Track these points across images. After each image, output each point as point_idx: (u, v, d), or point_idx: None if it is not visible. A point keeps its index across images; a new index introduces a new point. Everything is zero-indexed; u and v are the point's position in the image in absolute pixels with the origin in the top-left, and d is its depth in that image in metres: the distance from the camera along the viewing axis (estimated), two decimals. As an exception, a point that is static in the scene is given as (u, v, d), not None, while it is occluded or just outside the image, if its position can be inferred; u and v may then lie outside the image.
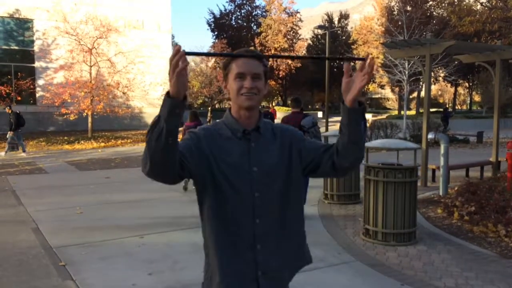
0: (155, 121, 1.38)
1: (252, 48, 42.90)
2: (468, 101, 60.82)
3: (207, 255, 1.65)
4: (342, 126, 1.55)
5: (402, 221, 5.07)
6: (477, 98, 57.88)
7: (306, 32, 56.76)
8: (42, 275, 4.23)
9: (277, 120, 31.91)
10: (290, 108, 7.14)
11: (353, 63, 1.49)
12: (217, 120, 1.71)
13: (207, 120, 28.03)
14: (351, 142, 1.54)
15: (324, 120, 21.24)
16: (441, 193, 7.71)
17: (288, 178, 1.64)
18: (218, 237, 1.59)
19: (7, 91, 20.28)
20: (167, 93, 1.35)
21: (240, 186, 1.57)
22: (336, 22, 52.70)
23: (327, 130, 19.44)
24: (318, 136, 6.49)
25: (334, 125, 30.42)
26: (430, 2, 40.34)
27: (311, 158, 1.64)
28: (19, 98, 22.67)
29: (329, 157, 1.61)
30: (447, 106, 36.25)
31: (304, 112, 6.69)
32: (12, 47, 25.27)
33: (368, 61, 1.44)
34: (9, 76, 24.08)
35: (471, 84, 48.62)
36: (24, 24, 25.24)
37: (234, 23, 46.56)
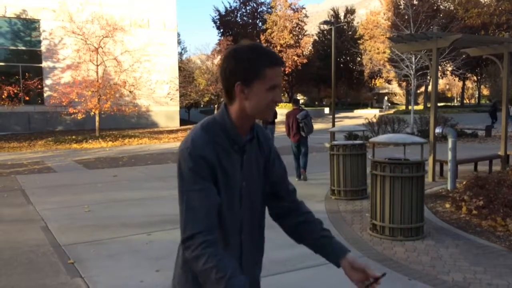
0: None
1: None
2: (477, 95, 60.31)
3: (190, 281, 1.51)
4: (316, 244, 1.57)
5: (410, 216, 5.05)
6: (485, 91, 57.41)
7: (312, 28, 56.59)
8: (51, 273, 4.27)
9: (281, 117, 31.91)
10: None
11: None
12: (208, 119, 1.47)
13: None
14: (304, 241, 1.61)
15: (331, 116, 21.16)
16: (449, 188, 7.66)
17: (264, 190, 1.57)
18: None
19: (15, 91, 20.43)
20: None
21: (233, 203, 1.46)
22: (342, 17, 52.47)
23: (333, 125, 19.36)
24: (309, 125, 8.86)
25: (340, 121, 30.33)
26: (437, -4, 39.99)
27: (275, 180, 1.61)
28: (27, 98, 22.84)
29: (282, 205, 1.63)
30: (494, 100, 35.22)
31: (305, 108, 9.32)
32: (19, 48, 25.47)
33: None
34: (17, 77, 24.27)
35: (479, 77, 48.20)
36: (31, 25, 25.41)
37: (239, 20, 46.50)
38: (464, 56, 21.75)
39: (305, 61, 43.66)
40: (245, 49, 1.40)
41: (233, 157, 1.44)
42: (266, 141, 1.59)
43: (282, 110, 32.05)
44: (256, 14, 46.40)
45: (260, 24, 46.08)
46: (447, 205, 6.56)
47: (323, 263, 4.35)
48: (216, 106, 29.37)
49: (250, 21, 46.42)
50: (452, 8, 40.71)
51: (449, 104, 58.71)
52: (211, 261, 1.31)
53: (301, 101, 55.80)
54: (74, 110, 19.60)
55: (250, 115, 1.43)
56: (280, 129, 20.25)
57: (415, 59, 21.33)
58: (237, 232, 1.49)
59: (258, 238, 1.58)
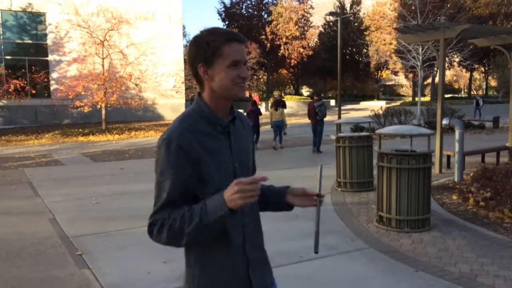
0: (205, 225, 1.31)
1: (263, 37, 42.64)
2: (484, 86, 59.77)
3: (192, 266, 1.56)
4: (267, 202, 1.61)
5: (416, 207, 5.03)
6: (493, 83, 56.88)
7: (318, 20, 56.11)
8: (60, 264, 4.32)
9: (290, 109, 31.52)
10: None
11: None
12: (185, 111, 1.49)
13: None
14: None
15: (337, 108, 21.08)
16: (456, 179, 7.62)
17: (253, 171, 1.63)
18: (210, 247, 1.47)
19: (22, 84, 20.53)
20: (227, 206, 1.28)
21: (228, 184, 1.40)
22: (348, 9, 52.03)
23: (339, 117, 19.30)
24: (322, 111, 11.75)
25: (346, 113, 30.22)
26: (444, -14, 39.46)
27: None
28: (34, 92, 22.96)
29: None
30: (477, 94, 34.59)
31: (319, 99, 12.15)
32: (25, 41, 25.55)
33: (318, 198, 1.51)
34: (23, 70, 24.39)
35: (487, 68, 47.73)
36: (36, 18, 25.47)
37: (244, 12, 46.25)
38: (471, 46, 21.51)
39: (310, 53, 43.43)
40: (204, 33, 1.45)
41: (220, 139, 1.46)
42: (248, 124, 1.65)
43: (289, 103, 32.06)
44: (261, 5, 46.11)
45: (265, 16, 45.81)
46: (454, 197, 6.53)
47: (328, 255, 4.37)
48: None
49: (256, 13, 46.15)
50: (459, -2, 40.25)
51: (456, 95, 58.23)
52: (172, 218, 1.37)
53: (306, 94, 55.88)
54: (81, 103, 19.68)
55: (219, 95, 1.45)
56: (295, 121, 20.25)
57: (422, 50, 21.15)
58: (238, 215, 1.47)
59: (256, 220, 1.59)
